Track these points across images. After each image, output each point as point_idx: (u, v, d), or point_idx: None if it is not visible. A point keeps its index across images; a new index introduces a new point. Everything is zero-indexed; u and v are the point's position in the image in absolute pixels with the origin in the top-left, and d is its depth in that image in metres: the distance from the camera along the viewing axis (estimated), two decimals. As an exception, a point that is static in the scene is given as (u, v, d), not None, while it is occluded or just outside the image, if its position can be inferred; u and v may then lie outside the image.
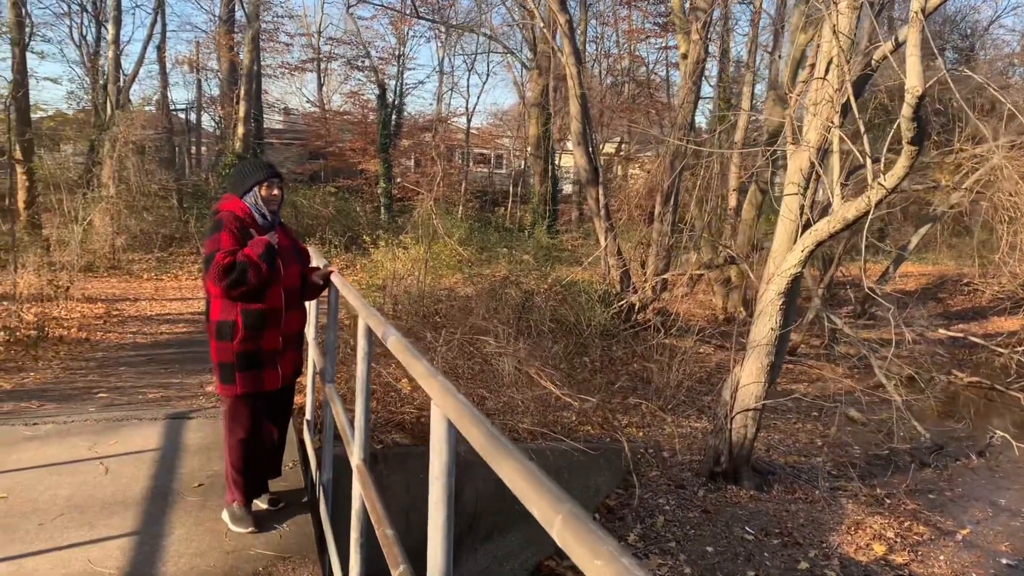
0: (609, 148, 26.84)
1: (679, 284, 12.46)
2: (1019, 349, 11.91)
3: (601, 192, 12.45)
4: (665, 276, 12.00)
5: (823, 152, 7.02)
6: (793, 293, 7.38)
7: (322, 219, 18.27)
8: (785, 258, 7.02)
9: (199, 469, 3.81)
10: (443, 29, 24.03)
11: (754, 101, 15.79)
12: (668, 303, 12.53)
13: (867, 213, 6.23)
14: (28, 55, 16.86)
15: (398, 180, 24.75)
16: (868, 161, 6.00)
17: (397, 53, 24.31)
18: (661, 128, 28.61)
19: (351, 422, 2.57)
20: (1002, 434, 9.49)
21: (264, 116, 25.45)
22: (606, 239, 12.53)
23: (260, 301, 3.13)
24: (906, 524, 7.46)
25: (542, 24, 13.44)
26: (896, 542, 7.02)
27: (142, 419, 4.43)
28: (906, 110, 5.37)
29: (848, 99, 6.11)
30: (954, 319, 18.73)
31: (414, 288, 8.71)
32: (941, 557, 6.87)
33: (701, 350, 12.55)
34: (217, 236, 3.08)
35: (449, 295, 9.27)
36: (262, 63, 24.97)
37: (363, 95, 26.74)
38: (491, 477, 1.21)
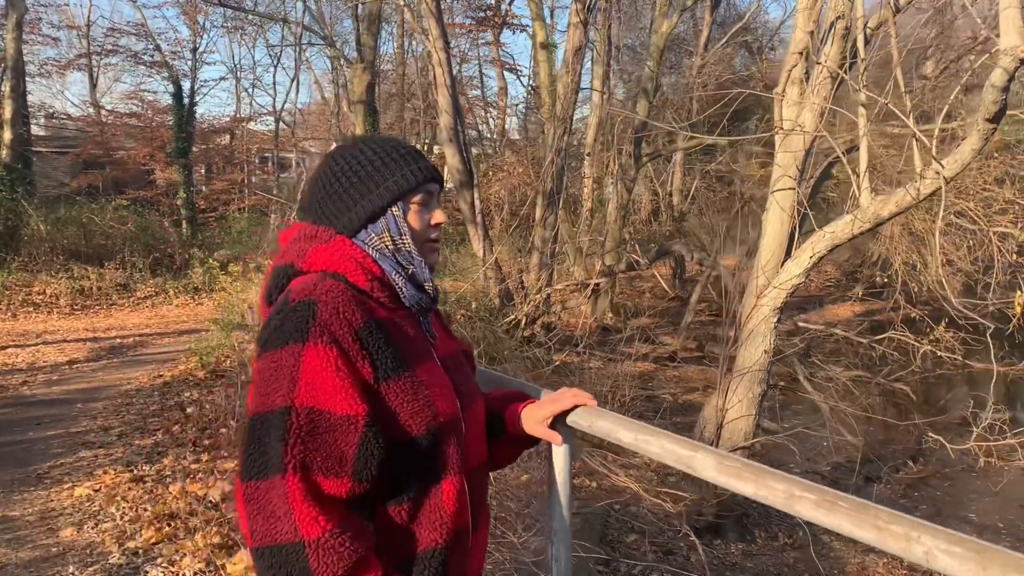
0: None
1: (567, 295, 11.18)
2: (878, 337, 11.74)
3: (476, 196, 10.90)
4: (558, 287, 10.65)
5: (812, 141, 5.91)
6: (784, 307, 6.22)
7: (118, 239, 15.26)
8: (785, 267, 5.82)
9: None
10: (248, 19, 21.38)
11: (610, 92, 14.86)
12: (556, 316, 11.21)
13: (908, 209, 5.17)
14: None
15: (199, 189, 21.82)
16: (915, 143, 4.90)
17: (192, 46, 21.32)
18: (479, 128, 27.49)
19: None
20: (936, 436, 8.98)
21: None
22: (484, 249, 11.03)
23: (435, 527, 1.26)
24: (907, 560, 6.56)
25: (403, 2, 11.65)
26: (915, 587, 6.08)
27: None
28: (998, 76, 4.28)
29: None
30: (794, 310, 18.95)
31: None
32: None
33: (591, 364, 11.40)
34: (284, 372, 1.17)
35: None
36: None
37: (150, 94, 23.41)
38: None
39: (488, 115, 28.25)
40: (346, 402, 1.17)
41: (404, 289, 1.34)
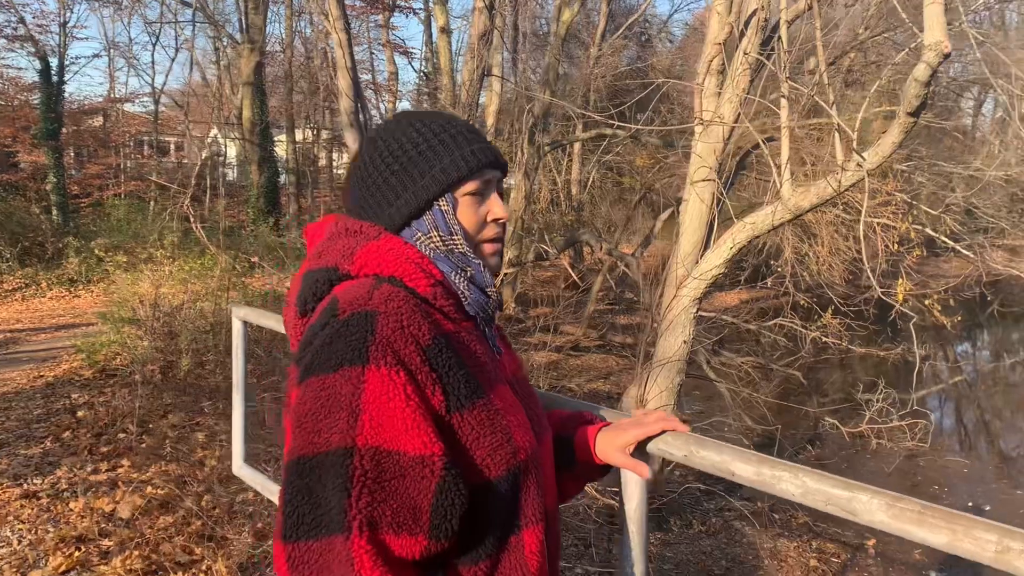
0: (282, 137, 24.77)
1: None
2: (768, 323, 12.18)
3: (378, 183, 10.58)
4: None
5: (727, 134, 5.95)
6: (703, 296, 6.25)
7: (-21, 227, 14.05)
8: (705, 257, 5.84)
9: None
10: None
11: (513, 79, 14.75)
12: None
13: (828, 200, 5.25)
14: None
15: (71, 173, 20.43)
16: (836, 135, 4.98)
17: (60, 20, 19.86)
18: (376, 112, 26.91)
19: None
20: (832, 420, 9.32)
21: None
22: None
23: None
24: (815, 544, 6.75)
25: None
26: (826, 569, 6.25)
27: None
28: (921, 71, 4.34)
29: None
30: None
31: (191, 316, 6.27)
32: (876, 581, 6.21)
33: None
34: (341, 403, 0.94)
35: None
36: None
37: (12, 70, 21.73)
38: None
39: (379, 100, 27.68)
40: (419, 440, 0.94)
41: (467, 294, 1.13)
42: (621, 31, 16.63)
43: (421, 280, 1.08)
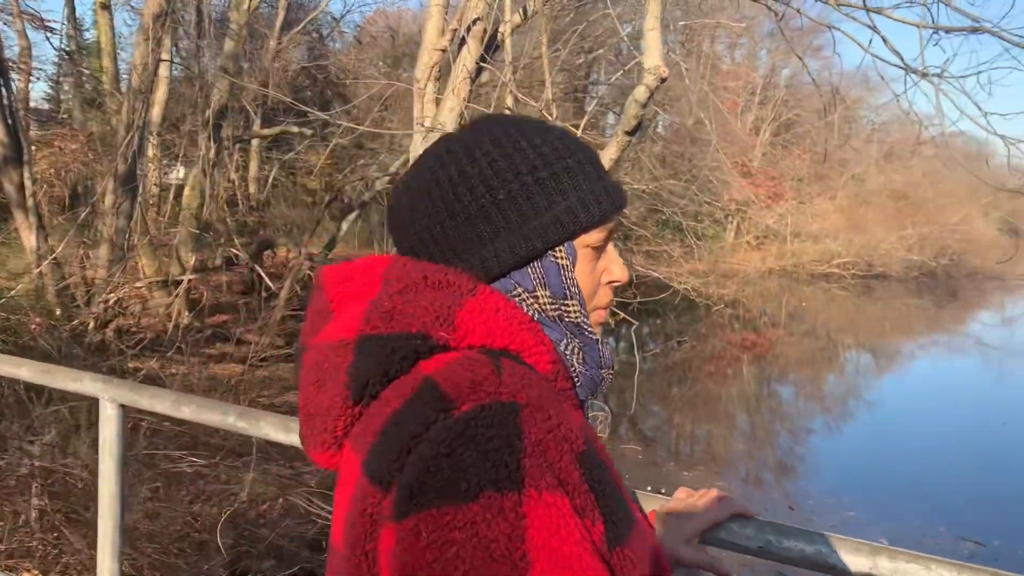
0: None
1: (152, 292, 9.97)
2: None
3: (28, 176, 9.13)
4: (139, 284, 9.40)
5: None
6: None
7: None
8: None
9: None
10: None
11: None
12: (135, 318, 9.97)
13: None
14: None
15: None
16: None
17: None
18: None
19: None
20: (596, 413, 9.74)
21: None
22: (38, 241, 9.28)
23: None
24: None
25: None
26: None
27: None
28: (641, 93, 4.63)
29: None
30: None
31: None
32: None
33: (176, 370, 10.26)
34: (494, 554, 0.58)
35: None
36: None
37: None
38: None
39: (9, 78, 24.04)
40: None
41: (581, 370, 0.80)
42: (301, 25, 16.12)
43: (543, 355, 0.76)
